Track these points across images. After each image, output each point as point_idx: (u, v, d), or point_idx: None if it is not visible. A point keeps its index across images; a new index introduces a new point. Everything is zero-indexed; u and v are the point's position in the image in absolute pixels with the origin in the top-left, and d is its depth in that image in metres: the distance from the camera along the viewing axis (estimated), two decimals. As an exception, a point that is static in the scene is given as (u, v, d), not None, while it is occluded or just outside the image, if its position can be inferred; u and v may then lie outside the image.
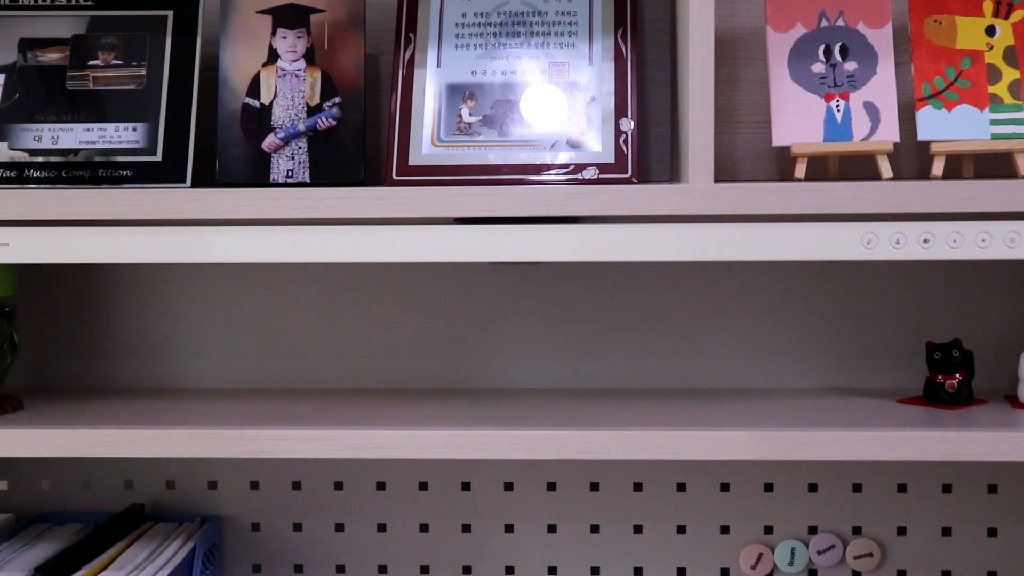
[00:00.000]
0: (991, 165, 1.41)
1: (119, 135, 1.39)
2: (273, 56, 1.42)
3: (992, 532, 1.55)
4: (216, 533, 1.59)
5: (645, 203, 1.25)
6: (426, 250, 1.28)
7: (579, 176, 1.35)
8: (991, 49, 1.37)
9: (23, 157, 1.38)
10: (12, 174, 1.37)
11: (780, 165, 1.50)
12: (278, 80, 1.41)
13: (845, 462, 1.54)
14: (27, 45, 1.42)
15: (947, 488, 1.55)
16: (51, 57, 1.42)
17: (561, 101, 1.38)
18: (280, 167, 1.39)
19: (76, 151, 1.38)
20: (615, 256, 1.27)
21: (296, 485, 1.61)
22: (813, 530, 1.57)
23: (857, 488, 1.56)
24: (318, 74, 1.41)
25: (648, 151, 1.51)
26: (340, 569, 1.62)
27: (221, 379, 1.59)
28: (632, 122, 1.37)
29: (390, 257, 1.27)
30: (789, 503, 1.57)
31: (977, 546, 1.56)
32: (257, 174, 1.39)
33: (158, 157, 1.38)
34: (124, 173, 1.38)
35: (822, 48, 1.39)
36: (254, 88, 1.41)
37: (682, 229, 1.26)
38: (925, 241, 1.25)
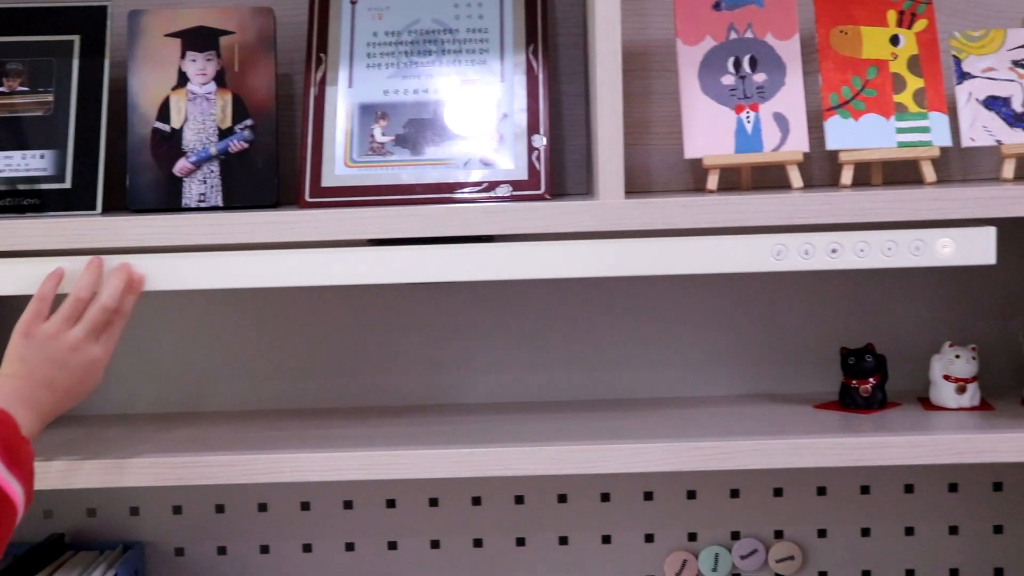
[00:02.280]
0: (899, 172, 1.43)
1: (27, 163, 1.37)
2: (183, 79, 1.41)
3: (910, 531, 1.58)
4: (139, 560, 1.57)
5: (556, 220, 1.26)
6: (338, 273, 1.28)
7: (492, 194, 1.35)
8: (896, 58, 1.40)
9: (-72, 187, 1.36)
10: (-83, 204, 1.35)
11: (695, 176, 1.51)
12: (188, 103, 1.40)
13: (766, 468, 1.56)
14: (-71, 73, 1.40)
15: (865, 489, 1.58)
16: (-46, 85, 1.39)
17: (473, 119, 1.39)
18: (192, 191, 1.38)
19: (-18, 180, 1.36)
20: (529, 274, 1.28)
21: (220, 508, 1.60)
22: (736, 535, 1.59)
23: (778, 492, 1.58)
24: (229, 96, 1.40)
25: (564, 166, 1.52)
26: (266, 591, 1.61)
27: (137, 404, 1.58)
28: (544, 138, 1.37)
29: (300, 281, 1.28)
30: (712, 510, 1.59)
31: (895, 545, 1.58)
32: (169, 199, 1.38)
33: (68, 184, 1.37)
34: (32, 201, 1.36)
35: (732, 60, 1.40)
36: (164, 112, 1.40)
37: (593, 246, 1.27)
38: (833, 251, 1.26)
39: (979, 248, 1.26)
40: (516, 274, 1.28)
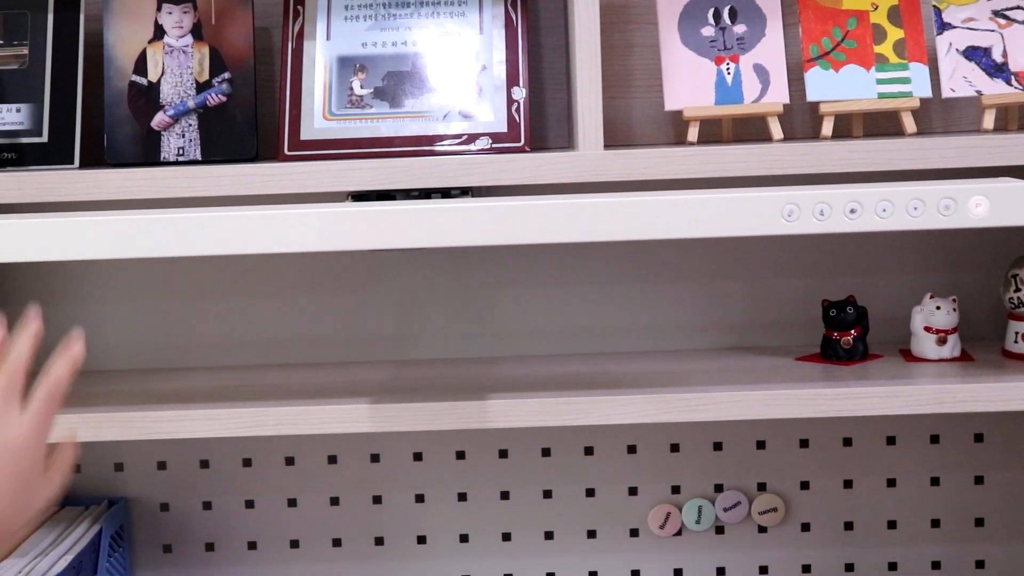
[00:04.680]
0: (880, 124, 1.43)
1: (2, 117, 1.36)
2: (159, 32, 1.40)
3: (891, 483, 1.59)
4: (123, 515, 1.58)
5: (536, 171, 1.26)
6: (318, 239, 1.16)
7: (472, 146, 1.35)
8: (876, 9, 1.39)
9: (-96, 142, 1.35)
10: None
11: (676, 129, 1.50)
12: (165, 57, 1.39)
13: (748, 420, 1.57)
14: (-97, 27, 1.39)
15: (847, 442, 1.58)
16: (-71, 39, 1.38)
17: (452, 71, 1.38)
18: (171, 145, 1.38)
19: (-41, 134, 1.36)
20: (520, 238, 1.15)
21: (204, 464, 1.60)
22: (719, 488, 1.60)
23: (761, 445, 1.59)
24: (206, 49, 1.40)
25: (545, 119, 1.51)
26: (252, 546, 1.61)
27: (121, 360, 1.58)
28: (524, 90, 1.37)
29: (279, 247, 1.18)
30: (695, 462, 1.59)
31: (877, 497, 1.59)
32: (147, 153, 1.37)
33: (44, 138, 1.36)
34: (9, 156, 1.35)
35: (711, 11, 1.40)
36: (141, 65, 1.39)
37: (588, 206, 1.15)
38: (852, 211, 1.12)
39: (1017, 207, 1.11)
40: (507, 239, 1.15)
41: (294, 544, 1.61)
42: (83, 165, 1.36)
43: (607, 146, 1.29)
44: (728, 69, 1.39)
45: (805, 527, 1.60)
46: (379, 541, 1.61)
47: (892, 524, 1.59)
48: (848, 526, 1.60)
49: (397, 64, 1.39)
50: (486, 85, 1.37)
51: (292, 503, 1.61)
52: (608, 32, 1.48)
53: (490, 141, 1.35)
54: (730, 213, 1.13)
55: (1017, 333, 1.43)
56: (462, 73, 1.38)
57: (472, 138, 1.35)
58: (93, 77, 1.40)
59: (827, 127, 1.37)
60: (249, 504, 1.61)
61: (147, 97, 1.38)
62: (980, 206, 1.11)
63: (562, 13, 1.50)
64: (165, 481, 1.60)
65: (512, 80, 1.37)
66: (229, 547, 1.61)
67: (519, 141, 1.35)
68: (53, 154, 1.35)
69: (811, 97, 1.38)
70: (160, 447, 1.59)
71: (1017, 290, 1.42)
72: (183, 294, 1.57)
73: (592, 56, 1.26)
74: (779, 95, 1.38)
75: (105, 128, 1.38)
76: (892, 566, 1.60)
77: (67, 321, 1.56)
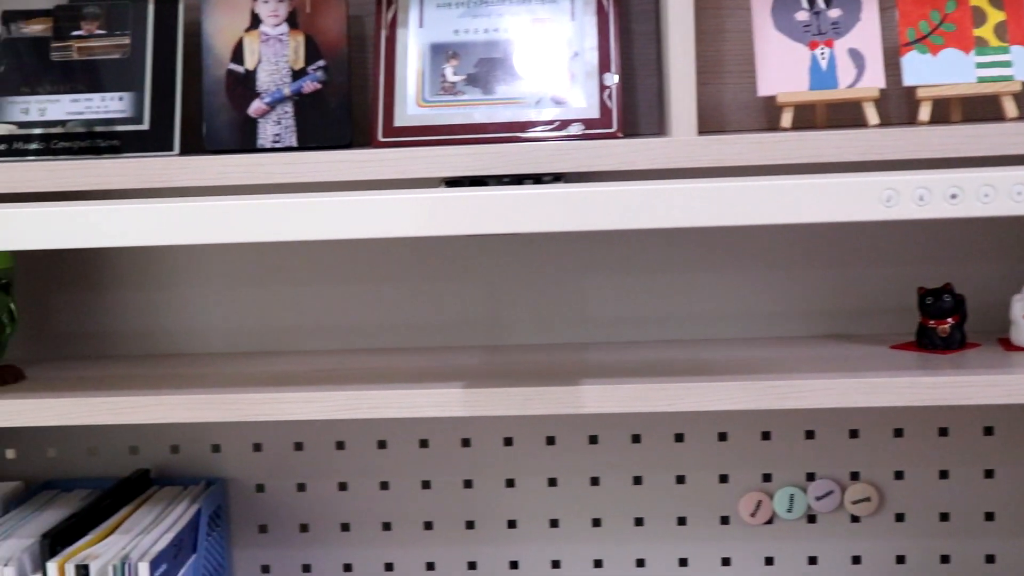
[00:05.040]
0: (979, 109, 1.40)
1: (106, 105, 1.39)
2: (256, 21, 1.42)
3: (989, 474, 1.56)
4: (221, 495, 1.61)
5: (628, 157, 1.26)
6: (416, 221, 1.17)
7: (564, 132, 1.35)
8: (976, -9, 1.37)
9: (11, 130, 1.39)
10: (2, 147, 1.38)
11: (768, 115, 1.49)
12: (262, 45, 1.42)
13: (841, 408, 1.55)
14: (10, 17, 1.42)
15: (943, 432, 1.56)
16: (35, 29, 1.42)
17: (544, 57, 1.38)
18: (267, 132, 1.40)
19: (63, 122, 1.39)
20: (612, 224, 1.13)
21: (299, 446, 1.63)
22: (811, 476, 1.59)
23: (854, 434, 1.57)
24: (301, 38, 1.42)
25: (636, 105, 1.51)
26: (345, 527, 1.64)
27: (220, 343, 1.61)
28: (616, 76, 1.37)
29: (374, 232, 1.17)
30: (787, 450, 1.58)
31: (974, 488, 1.56)
32: (244, 140, 1.40)
33: (145, 126, 1.39)
34: (113, 143, 1.38)
35: (806, -5, 1.38)
36: (238, 54, 1.41)
37: (685, 191, 1.13)
38: (953, 196, 1.09)
39: None
40: (599, 224, 1.13)
41: (386, 527, 1.63)
42: (183, 152, 1.39)
43: (700, 132, 1.28)
44: (823, 54, 1.37)
45: (899, 517, 1.58)
46: (470, 525, 1.63)
47: (990, 516, 1.57)
48: (944, 517, 1.57)
49: (489, 51, 1.39)
50: (578, 71, 1.38)
51: (384, 486, 1.63)
52: (700, 18, 1.47)
53: (582, 127, 1.35)
54: (828, 198, 1.11)
55: (1121, 322, 1.40)
56: (554, 59, 1.38)
57: (564, 124, 1.36)
58: (192, 66, 1.43)
59: (924, 112, 1.35)
60: (342, 486, 1.63)
61: (244, 85, 1.41)
62: (1101, 193, 1.08)
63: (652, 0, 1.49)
64: (261, 463, 1.63)
65: (604, 66, 1.37)
66: (323, 528, 1.64)
67: (611, 127, 1.35)
68: (153, 141, 1.38)
69: (908, 82, 1.36)
70: (256, 429, 1.62)
71: (1121, 278, 1.39)
72: (280, 280, 1.60)
73: (686, 41, 1.25)
74: (875, 80, 1.36)
75: (204, 115, 1.41)
76: (990, 559, 1.57)
77: (167, 306, 1.60)
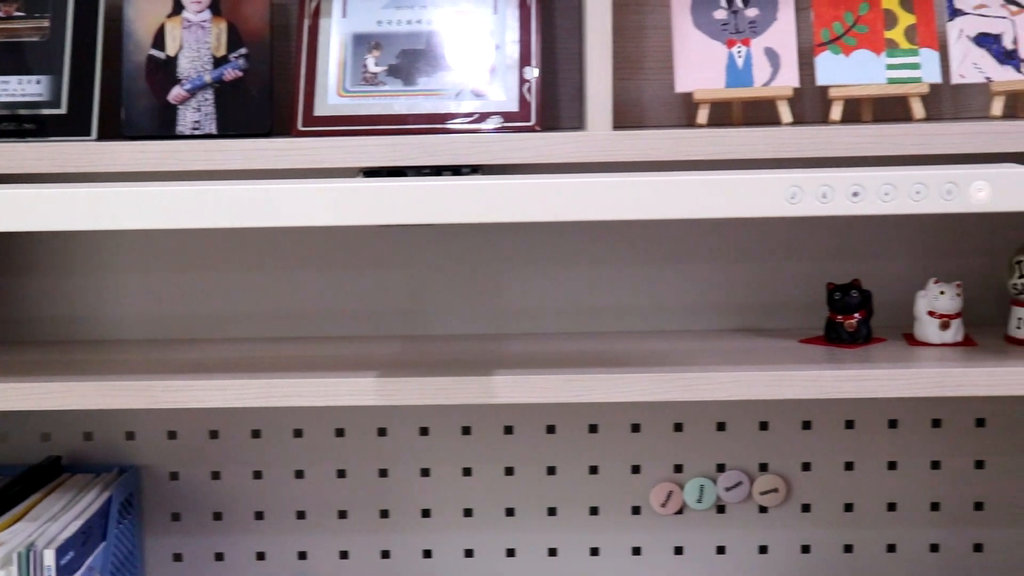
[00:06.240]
0: (889, 110, 1.44)
1: (23, 88, 1.38)
2: (178, 7, 1.41)
3: (892, 465, 1.60)
4: (134, 483, 1.60)
5: (544, 150, 1.27)
6: (332, 213, 1.17)
7: (483, 125, 1.36)
8: (888, -6, 1.40)
9: (-76, 111, 1.37)
10: (-86, 128, 1.37)
11: (687, 111, 1.52)
12: (183, 31, 1.41)
13: (751, 401, 1.58)
14: (-75, -3, 1.41)
15: (850, 424, 1.60)
16: (-50, 9, 1.40)
17: (466, 50, 1.40)
18: (187, 119, 1.39)
19: (-22, 105, 1.38)
20: (528, 216, 1.15)
21: (214, 434, 1.62)
22: (721, 467, 1.62)
23: (764, 426, 1.60)
24: (224, 25, 1.41)
25: (559, 99, 1.52)
26: (259, 516, 1.64)
27: (135, 330, 1.60)
28: (536, 70, 1.38)
29: (291, 221, 1.17)
30: (698, 442, 1.61)
31: (878, 479, 1.61)
32: (163, 126, 1.39)
33: (63, 110, 1.38)
34: (29, 127, 1.37)
35: (724, -6, 1.41)
36: (159, 39, 1.41)
37: (593, 186, 1.15)
38: (855, 194, 1.12)
39: (1018, 192, 1.11)
40: (515, 216, 1.15)
41: (300, 515, 1.63)
42: (100, 137, 1.38)
43: (618, 127, 1.30)
44: (739, 52, 1.40)
45: (806, 508, 1.62)
46: (384, 514, 1.63)
47: (892, 506, 1.61)
48: (848, 508, 1.61)
49: (411, 42, 1.40)
50: (499, 64, 1.39)
51: (299, 475, 1.63)
52: (622, 14, 1.49)
53: (501, 120, 1.37)
54: (734, 194, 1.13)
55: (1020, 319, 1.44)
56: (475, 52, 1.39)
57: (483, 117, 1.37)
58: (112, 50, 1.42)
59: (836, 111, 1.38)
60: (257, 475, 1.63)
61: (164, 71, 1.40)
62: (982, 191, 1.11)
63: (576, -6, 1.51)
64: (175, 450, 1.63)
65: (524, 60, 1.39)
66: (237, 517, 1.64)
67: (530, 120, 1.37)
68: (71, 126, 1.37)
69: (821, 81, 1.39)
70: (171, 417, 1.62)
71: (1021, 276, 1.43)
72: (197, 266, 1.59)
73: (603, 37, 1.27)
74: (789, 79, 1.39)
75: (123, 101, 1.40)
76: (891, 548, 1.61)
77: (82, 292, 1.59)
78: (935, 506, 1.61)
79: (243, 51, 1.41)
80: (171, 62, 1.40)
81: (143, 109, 1.39)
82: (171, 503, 1.63)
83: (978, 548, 1.61)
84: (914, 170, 1.12)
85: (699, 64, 1.40)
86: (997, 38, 1.38)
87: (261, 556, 1.64)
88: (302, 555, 1.64)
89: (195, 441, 1.62)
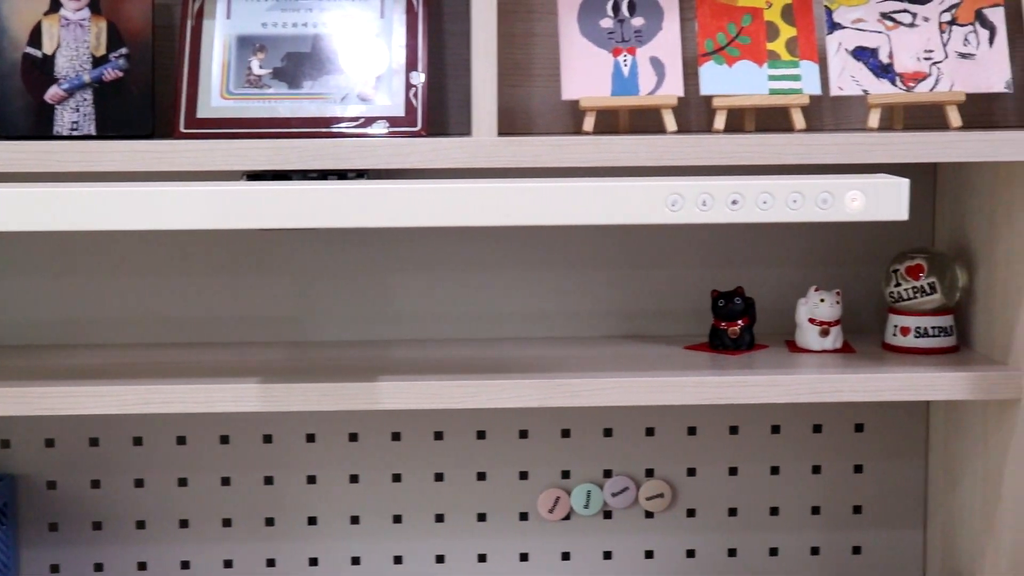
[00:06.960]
0: (771, 120, 1.46)
1: None
2: (56, 5, 1.38)
3: (775, 470, 1.63)
4: (8, 492, 1.56)
5: (429, 156, 1.27)
6: (211, 217, 1.15)
7: (369, 129, 1.35)
8: (770, 7, 1.43)
9: None
10: None
11: (575, 119, 1.52)
12: (61, 29, 1.38)
13: (638, 407, 1.60)
14: None
15: (734, 430, 1.62)
16: None
17: (352, 54, 1.39)
18: (64, 119, 1.36)
19: None
20: (412, 221, 1.15)
21: (93, 442, 1.59)
22: (608, 473, 1.63)
23: (650, 432, 1.62)
24: (104, 24, 1.38)
25: (447, 105, 1.52)
26: (140, 525, 1.60)
27: (11, 336, 1.56)
28: (422, 76, 1.38)
29: (170, 224, 1.15)
30: (585, 448, 1.62)
31: (761, 484, 1.63)
32: (40, 126, 1.36)
33: (-66, 108, 1.34)
34: None
35: (610, 3, 1.42)
36: (36, 37, 1.37)
37: (477, 192, 1.15)
38: (734, 203, 1.14)
39: (891, 202, 1.14)
40: (399, 221, 1.15)
41: (183, 524, 1.61)
42: (-27, 136, 1.35)
43: (507, 133, 1.31)
44: (625, 61, 1.41)
45: (691, 513, 1.63)
46: (270, 522, 1.61)
47: (775, 511, 1.64)
48: (732, 512, 1.64)
49: (297, 45, 1.39)
50: (385, 69, 1.38)
51: (183, 483, 1.60)
52: (510, 21, 1.50)
53: (387, 125, 1.36)
54: (615, 201, 1.14)
55: (896, 326, 1.47)
56: (361, 56, 1.39)
57: (369, 121, 1.36)
58: (-14, 48, 1.38)
59: (719, 121, 1.40)
60: (139, 483, 1.60)
61: (41, 70, 1.37)
62: (856, 200, 1.13)
63: (466, 0, 1.51)
64: (53, 459, 1.59)
65: (411, 65, 1.38)
66: (117, 526, 1.60)
67: (416, 126, 1.36)
68: (-58, 124, 1.34)
69: (704, 91, 1.41)
70: (48, 424, 1.58)
71: (897, 284, 1.47)
72: (76, 271, 1.55)
73: (489, 43, 1.27)
74: (674, 88, 1.41)
75: (-3, 100, 1.36)
76: (773, 551, 1.64)
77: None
78: (815, 510, 1.64)
79: (124, 51, 1.38)
80: (48, 61, 1.37)
81: (18, 108, 1.36)
82: (48, 513, 1.59)
83: (857, 551, 1.64)
84: (791, 179, 1.14)
85: (585, 72, 1.41)
86: (874, 52, 1.41)
87: (143, 566, 1.61)
88: (185, 564, 1.61)
89: (74, 449, 1.59)
